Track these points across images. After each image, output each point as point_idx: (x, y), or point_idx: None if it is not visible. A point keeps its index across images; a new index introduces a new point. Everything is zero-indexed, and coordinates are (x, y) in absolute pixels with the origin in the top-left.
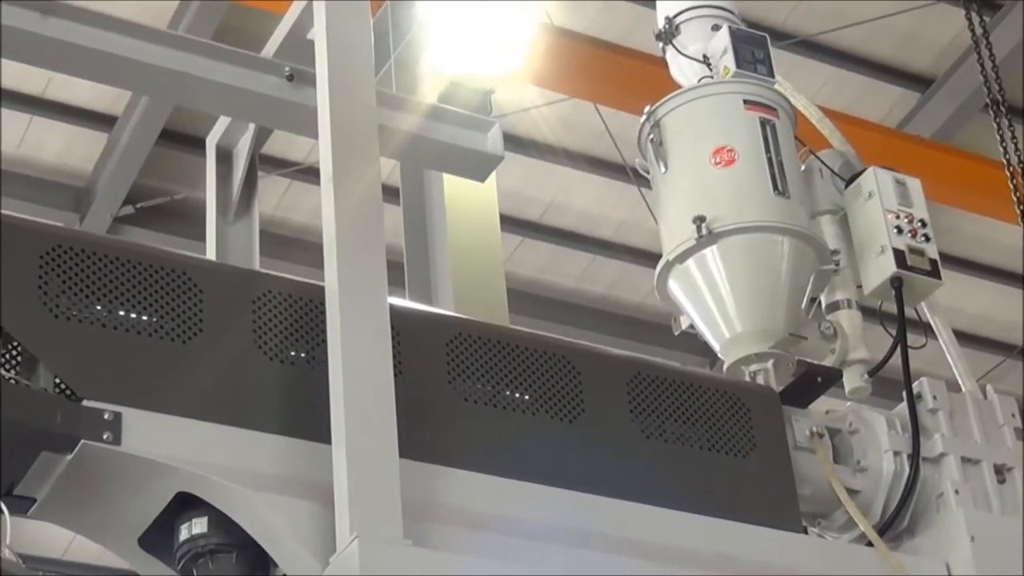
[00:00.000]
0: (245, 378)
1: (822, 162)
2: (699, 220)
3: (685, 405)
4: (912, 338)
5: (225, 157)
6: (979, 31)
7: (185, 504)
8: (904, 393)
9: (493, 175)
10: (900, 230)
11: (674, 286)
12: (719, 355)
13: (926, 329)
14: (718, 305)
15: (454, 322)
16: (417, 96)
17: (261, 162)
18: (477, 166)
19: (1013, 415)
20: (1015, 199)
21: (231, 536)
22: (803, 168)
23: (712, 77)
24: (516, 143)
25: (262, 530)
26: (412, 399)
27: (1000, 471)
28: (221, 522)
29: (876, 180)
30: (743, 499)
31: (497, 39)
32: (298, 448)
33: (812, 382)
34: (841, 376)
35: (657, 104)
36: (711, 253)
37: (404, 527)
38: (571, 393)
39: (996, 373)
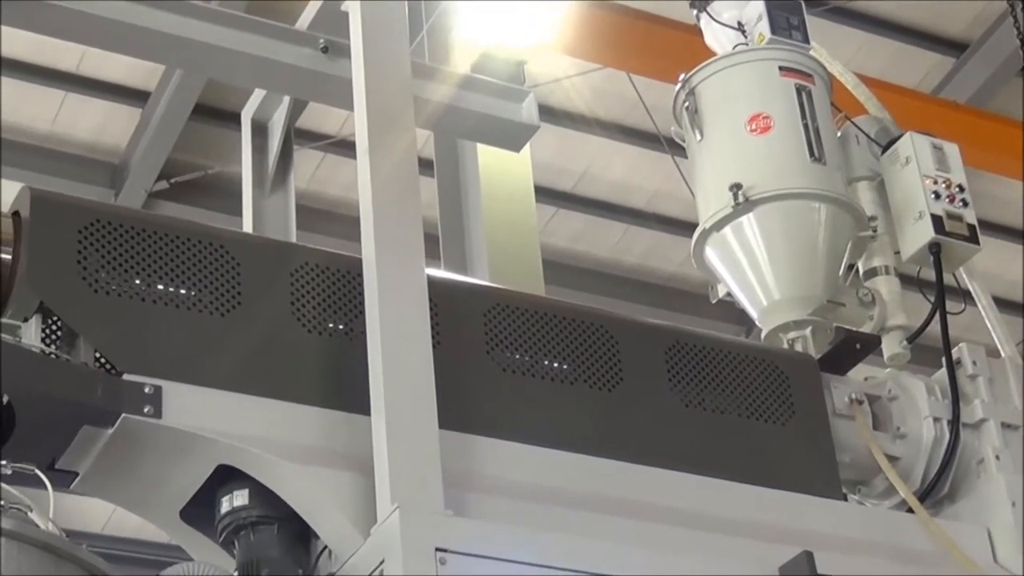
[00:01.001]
0: (284, 350)
1: (858, 128)
2: (735, 188)
3: (723, 373)
4: (951, 304)
5: (260, 130)
6: None
7: (226, 476)
8: (943, 359)
9: (527, 146)
10: (938, 195)
11: (711, 254)
12: (757, 323)
13: (965, 295)
14: (755, 273)
15: (491, 292)
16: (450, 67)
17: (295, 135)
18: (512, 136)
19: None
20: None
21: (272, 508)
22: (839, 134)
23: (747, 44)
24: (549, 114)
25: (303, 502)
26: (450, 370)
27: None
28: (262, 494)
29: (913, 145)
30: (782, 467)
31: (530, 9)
32: (338, 420)
33: (851, 349)
34: (880, 342)
35: (692, 72)
36: (748, 221)
37: (444, 497)
38: (609, 362)
39: None
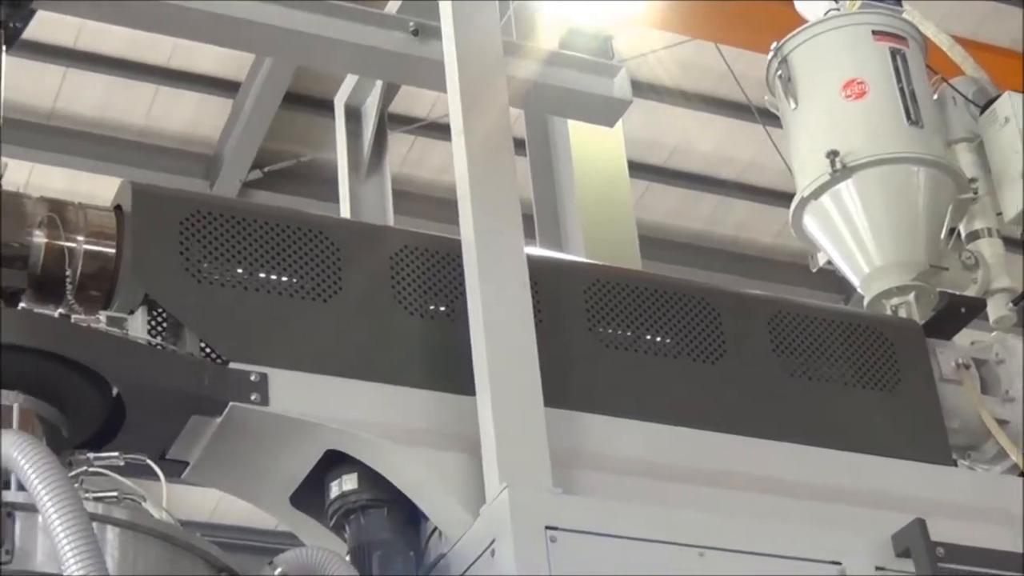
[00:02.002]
0: (386, 334)
1: (955, 89)
2: (832, 155)
3: (827, 342)
4: None
5: (354, 115)
6: None
7: (334, 461)
8: None
9: (619, 121)
10: None
11: (810, 223)
12: (859, 290)
13: None
14: (856, 240)
15: (591, 269)
16: (538, 44)
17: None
18: (605, 111)
19: None
20: None
21: (381, 491)
22: (935, 97)
23: (839, 10)
24: (637, 88)
25: (411, 484)
26: (553, 348)
27: None
28: (371, 478)
29: (1012, 105)
30: (891, 434)
31: None
32: (443, 401)
33: (955, 313)
34: (985, 306)
35: (784, 40)
36: (846, 187)
37: (552, 475)
38: (712, 335)
39: None
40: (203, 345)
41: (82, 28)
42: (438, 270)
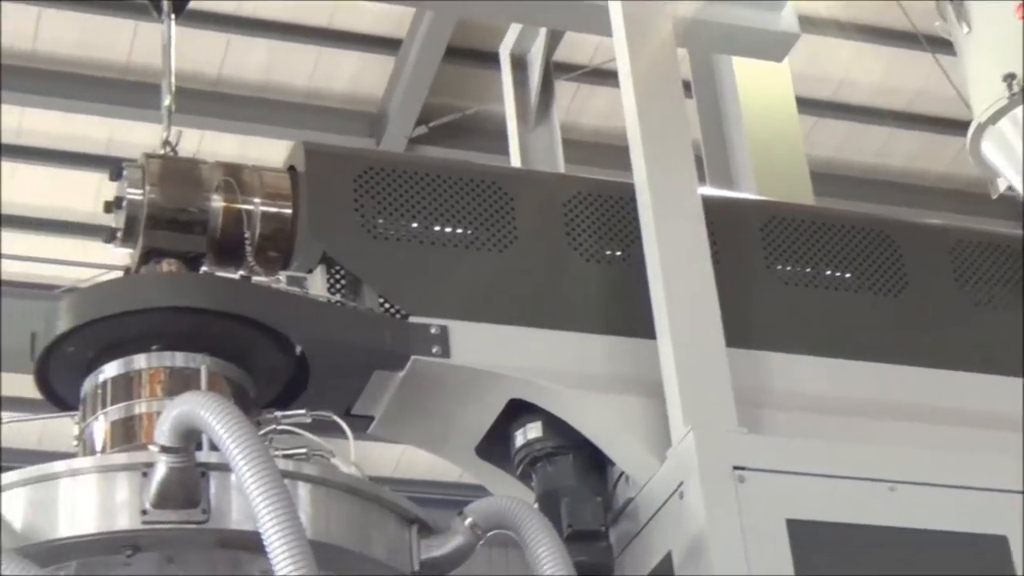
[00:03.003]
0: (563, 281)
1: None
2: (1009, 78)
3: (1013, 269)
4: None
5: (519, 65)
6: None
7: (518, 410)
8: None
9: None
10: None
11: (988, 148)
12: None
13: None
14: None
15: (766, 206)
16: None
17: None
18: (773, 46)
19: None
20: None
21: (566, 438)
22: None
23: None
24: (800, 22)
25: (596, 430)
26: (732, 287)
27: None
28: (555, 425)
29: None
30: None
31: None
32: (623, 346)
33: None
34: None
35: None
36: None
37: (737, 415)
38: (893, 267)
39: None
40: (382, 300)
41: None
42: (612, 215)
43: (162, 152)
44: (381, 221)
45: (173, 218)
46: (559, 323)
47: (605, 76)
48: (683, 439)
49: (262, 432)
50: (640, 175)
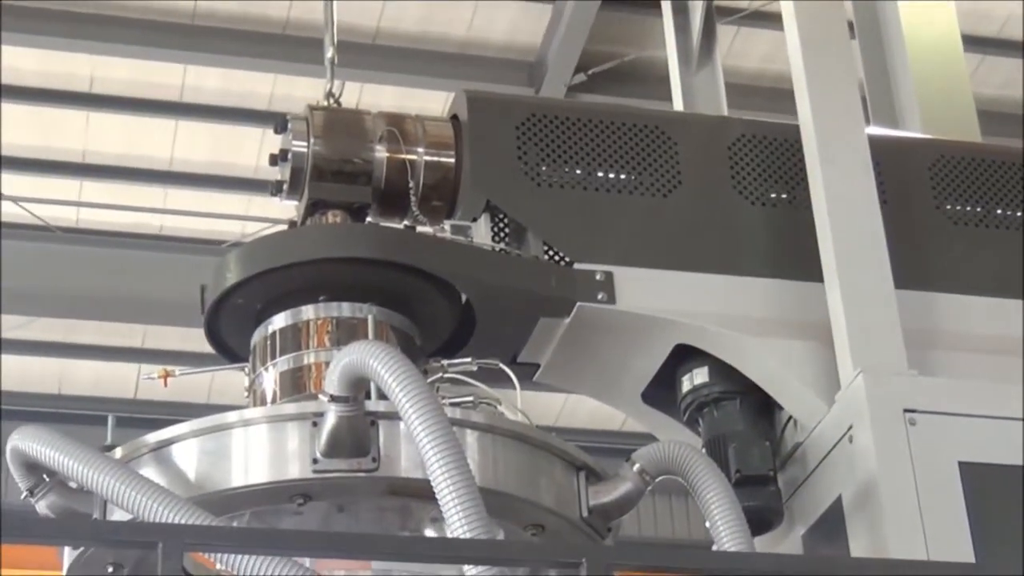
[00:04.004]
0: (729, 225)
1: None
2: None
3: None
4: None
5: (680, 8)
6: None
7: (684, 356)
8: None
9: None
10: None
11: None
12: None
13: None
14: None
15: (934, 145)
16: None
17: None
18: None
19: None
20: None
21: (733, 383)
22: None
23: None
24: None
25: (763, 374)
26: (900, 228)
27: None
28: (722, 370)
29: None
30: None
31: None
32: (790, 289)
33: None
34: None
35: None
36: None
37: (907, 357)
38: None
39: None
40: (546, 248)
41: None
42: (777, 157)
43: (325, 104)
44: (544, 168)
45: (338, 169)
46: (725, 267)
47: (766, 19)
48: (852, 382)
49: (429, 380)
50: (805, 116)
